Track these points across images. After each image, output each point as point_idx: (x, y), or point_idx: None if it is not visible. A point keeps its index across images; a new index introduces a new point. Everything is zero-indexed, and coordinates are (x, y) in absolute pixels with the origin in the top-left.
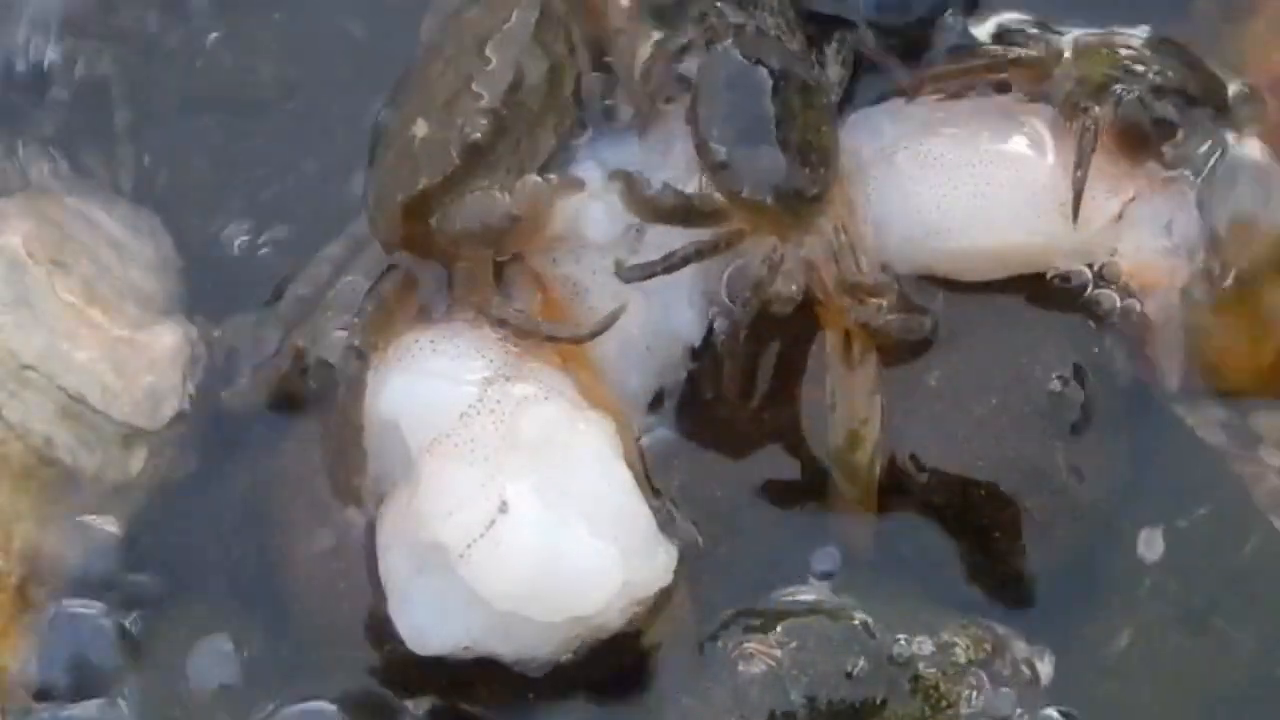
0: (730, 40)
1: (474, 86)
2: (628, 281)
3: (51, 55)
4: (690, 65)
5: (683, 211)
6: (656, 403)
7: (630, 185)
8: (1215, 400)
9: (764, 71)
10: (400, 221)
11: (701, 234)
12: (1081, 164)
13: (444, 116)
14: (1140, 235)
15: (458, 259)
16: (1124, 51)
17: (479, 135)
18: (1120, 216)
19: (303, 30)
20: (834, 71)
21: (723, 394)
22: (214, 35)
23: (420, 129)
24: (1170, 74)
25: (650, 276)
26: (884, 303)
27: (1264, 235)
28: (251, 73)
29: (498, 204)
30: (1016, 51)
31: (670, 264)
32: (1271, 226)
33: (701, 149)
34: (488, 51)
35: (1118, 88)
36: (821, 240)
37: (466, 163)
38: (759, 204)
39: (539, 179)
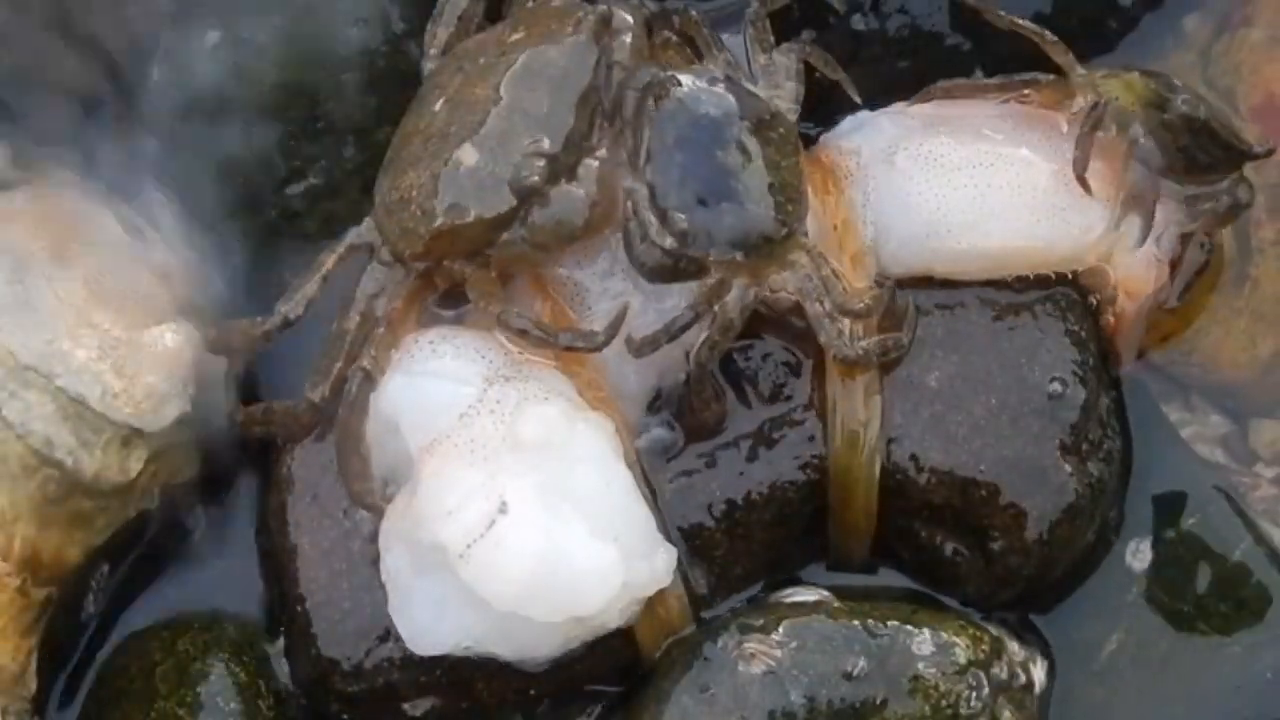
0: (675, 95)
1: (533, 128)
2: (639, 356)
3: (56, 53)
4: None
5: (669, 271)
6: (656, 403)
7: (629, 237)
8: (1214, 408)
9: (714, 122)
10: (428, 243)
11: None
12: (1082, 140)
13: (498, 151)
14: (1135, 245)
15: (519, 267)
16: (1150, 85)
17: (537, 180)
18: (1120, 225)
19: (309, 34)
20: (790, 89)
21: (694, 414)
22: (218, 36)
23: (468, 156)
24: (1193, 113)
25: (659, 347)
26: (862, 335)
27: None
28: (259, 76)
29: (576, 197)
30: (1032, 75)
31: (672, 334)
32: None
33: (663, 218)
34: (545, 89)
35: (1138, 125)
36: (796, 274)
37: (521, 204)
38: (731, 261)
39: (596, 161)
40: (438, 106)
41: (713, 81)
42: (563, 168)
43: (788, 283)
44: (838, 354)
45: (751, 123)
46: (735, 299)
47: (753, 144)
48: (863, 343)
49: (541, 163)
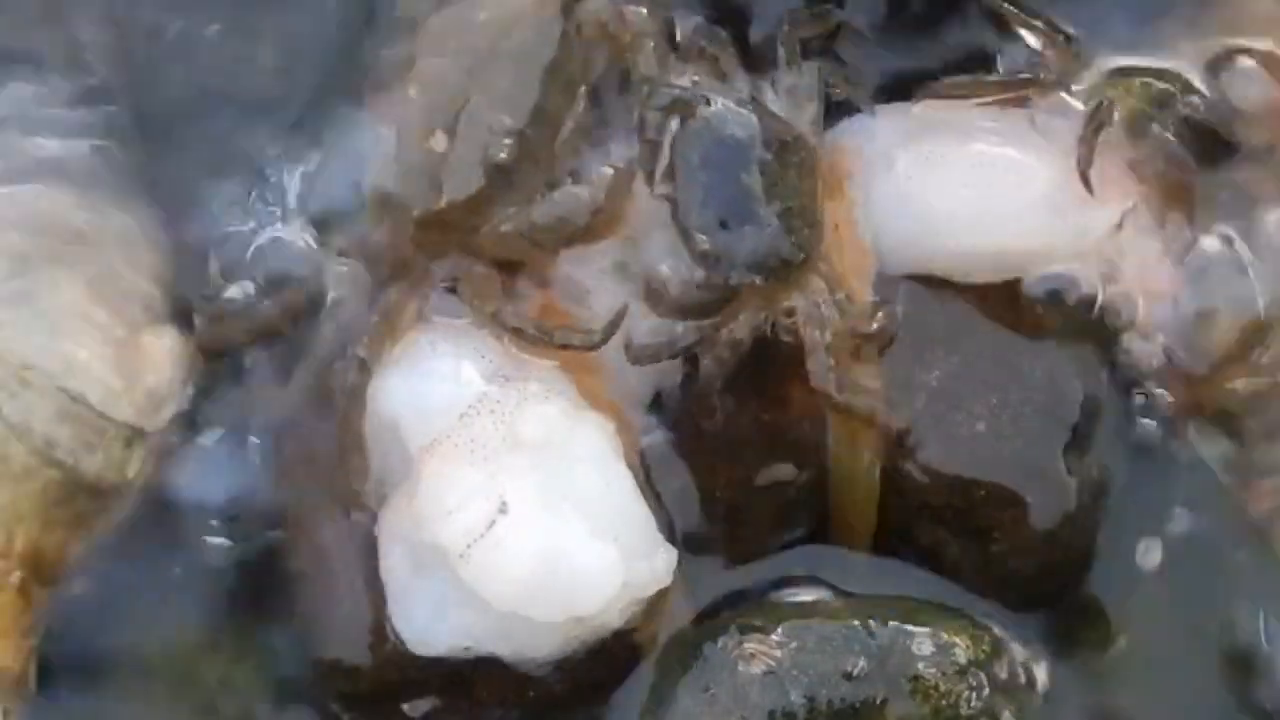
0: (702, 114)
1: (497, 105)
2: (637, 364)
3: (57, 53)
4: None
5: (705, 307)
6: (656, 403)
7: (653, 293)
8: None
9: (740, 144)
10: (416, 236)
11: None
12: (1086, 139)
13: (467, 132)
14: (1140, 242)
15: (514, 258)
16: (1156, 84)
17: (504, 156)
18: (1120, 225)
19: (302, 26)
20: (811, 111)
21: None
22: (215, 29)
23: (439, 144)
24: (1198, 106)
25: (659, 360)
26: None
27: (1224, 328)
28: (253, 69)
29: (581, 199)
30: (1034, 73)
31: (675, 351)
32: (1232, 319)
33: (685, 237)
34: (509, 67)
35: (1153, 126)
36: (805, 299)
37: (491, 183)
38: (750, 285)
39: (612, 169)
40: (413, 93)
41: (740, 102)
42: (534, 143)
43: (797, 307)
44: (821, 388)
45: (775, 146)
46: (745, 321)
47: (775, 167)
48: (849, 396)
49: (509, 140)
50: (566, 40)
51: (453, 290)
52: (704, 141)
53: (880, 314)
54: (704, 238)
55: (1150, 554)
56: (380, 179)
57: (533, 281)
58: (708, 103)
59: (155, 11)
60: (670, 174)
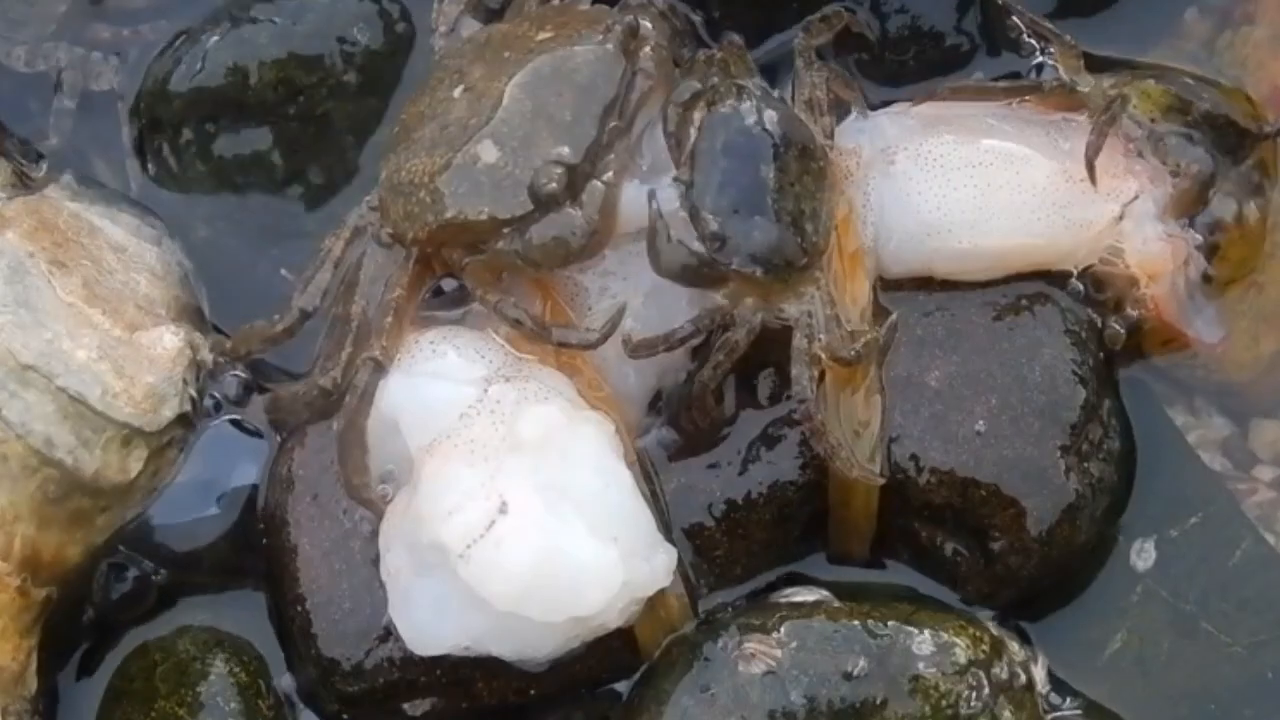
0: (731, 103)
1: (556, 135)
2: (635, 358)
3: (56, 63)
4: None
5: (690, 274)
6: (656, 403)
7: (653, 234)
8: (1217, 409)
9: (763, 137)
10: (434, 231)
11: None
12: (1098, 130)
13: (519, 152)
14: (1144, 230)
15: (511, 273)
16: (1169, 91)
17: (555, 188)
18: (1121, 218)
19: (307, 34)
20: (826, 123)
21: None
22: (215, 40)
23: (488, 153)
24: (1212, 105)
25: (655, 354)
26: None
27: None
28: (255, 77)
29: (576, 221)
30: (1042, 81)
31: (671, 345)
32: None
33: (695, 217)
34: (572, 96)
35: (1170, 137)
36: (800, 306)
37: (536, 210)
38: (749, 275)
39: (600, 183)
40: (456, 94)
41: (768, 100)
42: (580, 177)
43: (789, 311)
44: (799, 396)
45: (797, 148)
46: (743, 321)
47: (794, 169)
48: (821, 417)
49: (560, 170)
50: (624, 80)
51: (453, 276)
52: (728, 129)
53: (861, 342)
54: (714, 218)
55: (1144, 554)
56: (402, 168)
57: (534, 283)
58: (738, 93)
59: None
60: (690, 156)
